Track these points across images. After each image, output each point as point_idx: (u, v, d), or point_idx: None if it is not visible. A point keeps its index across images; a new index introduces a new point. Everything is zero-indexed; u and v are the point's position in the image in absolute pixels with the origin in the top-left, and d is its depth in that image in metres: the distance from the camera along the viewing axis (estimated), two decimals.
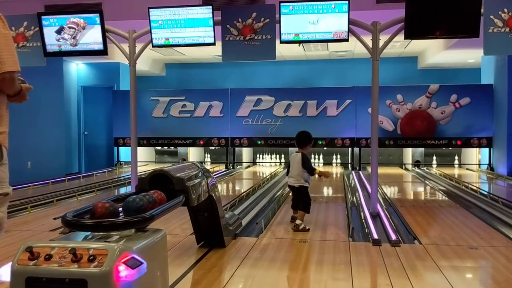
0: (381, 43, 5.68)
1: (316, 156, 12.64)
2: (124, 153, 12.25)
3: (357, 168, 11.54)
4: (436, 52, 10.89)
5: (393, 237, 4.49)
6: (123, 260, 1.93)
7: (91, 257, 1.91)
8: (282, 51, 11.20)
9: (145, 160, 12.59)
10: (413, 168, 11.78)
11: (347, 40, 5.76)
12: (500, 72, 10.29)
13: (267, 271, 3.64)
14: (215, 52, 10.95)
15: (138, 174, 6.66)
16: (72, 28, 6.16)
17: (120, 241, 2.13)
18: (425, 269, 3.65)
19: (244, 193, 7.37)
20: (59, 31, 6.20)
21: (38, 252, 1.96)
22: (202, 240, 4.22)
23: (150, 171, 3.24)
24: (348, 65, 12.76)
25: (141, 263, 2.01)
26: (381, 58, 5.81)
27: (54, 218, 5.45)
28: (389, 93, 10.99)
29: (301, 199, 5.04)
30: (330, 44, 10.60)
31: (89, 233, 2.28)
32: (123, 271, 1.91)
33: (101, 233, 2.25)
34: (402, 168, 12.03)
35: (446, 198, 7.17)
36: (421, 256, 3.95)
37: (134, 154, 6.55)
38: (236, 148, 12.24)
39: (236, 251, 4.09)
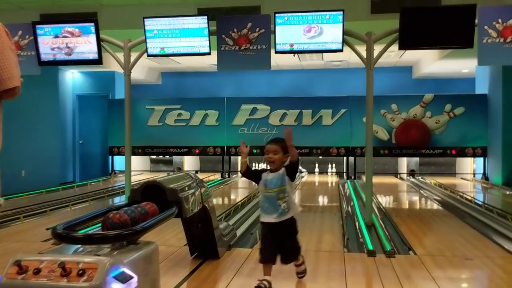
0: (375, 53, 5.70)
1: (312, 165, 12.63)
2: (119, 162, 12.18)
3: (352, 177, 11.53)
4: (430, 62, 10.95)
5: (388, 247, 4.47)
6: (113, 274, 1.91)
7: (81, 271, 1.88)
8: (278, 60, 11.23)
9: (140, 169, 12.55)
10: (408, 178, 11.78)
11: (341, 50, 5.78)
12: (495, 82, 10.35)
13: None
14: (211, 61, 10.90)
15: (132, 183, 6.62)
16: (67, 37, 6.14)
17: (110, 254, 2.11)
18: (420, 280, 3.63)
19: (240, 203, 7.33)
20: (54, 41, 6.19)
21: (27, 265, 1.93)
22: (196, 251, 4.19)
23: (144, 180, 3.21)
24: (343, 75, 12.80)
25: (132, 277, 1.99)
26: (376, 68, 5.82)
27: (47, 229, 5.39)
28: (384, 102, 11.02)
29: (289, 239, 3.32)
30: (325, 53, 10.66)
31: (80, 245, 2.26)
32: (113, 286, 1.88)
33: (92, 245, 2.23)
34: (397, 177, 12.04)
35: (441, 208, 7.16)
36: (416, 267, 3.93)
37: (128, 163, 6.52)
38: (232, 157, 12.22)
39: (231, 262, 4.05)
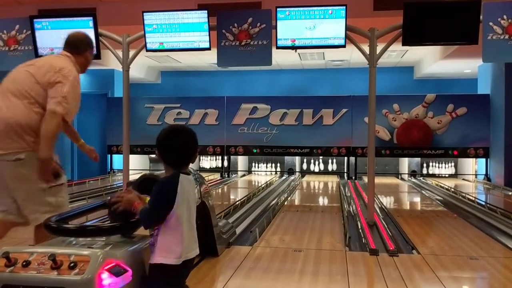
0: (378, 50, 5.61)
1: (312, 165, 12.53)
2: (118, 160, 12.09)
3: (353, 177, 11.43)
4: (432, 62, 10.86)
5: (391, 246, 4.38)
6: (106, 267, 1.81)
7: (72, 264, 1.79)
8: (278, 59, 11.14)
9: (139, 168, 12.43)
10: (409, 178, 11.69)
11: (344, 46, 5.68)
12: (497, 82, 10.26)
13: (261, 282, 3.52)
14: (211, 60, 10.87)
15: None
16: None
17: (105, 247, 2.01)
18: (424, 280, 3.54)
19: (239, 202, 7.23)
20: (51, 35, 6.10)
21: (16, 258, 1.84)
22: None
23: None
24: (344, 75, 12.71)
25: (126, 270, 1.89)
26: (378, 68, 5.73)
27: None
28: (386, 102, 10.91)
29: None
30: (326, 53, 10.57)
31: (73, 238, 2.17)
32: (106, 279, 1.79)
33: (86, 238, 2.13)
34: (398, 178, 11.94)
35: (444, 208, 7.07)
36: (419, 267, 3.84)
37: (126, 161, 6.43)
38: (232, 157, 12.12)
39: (229, 261, 3.96)
